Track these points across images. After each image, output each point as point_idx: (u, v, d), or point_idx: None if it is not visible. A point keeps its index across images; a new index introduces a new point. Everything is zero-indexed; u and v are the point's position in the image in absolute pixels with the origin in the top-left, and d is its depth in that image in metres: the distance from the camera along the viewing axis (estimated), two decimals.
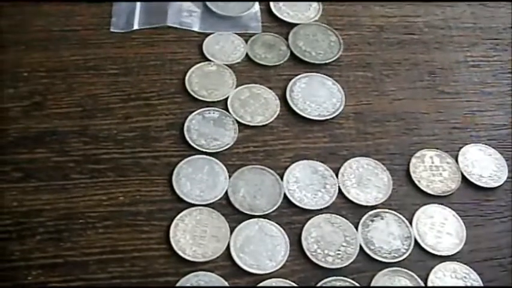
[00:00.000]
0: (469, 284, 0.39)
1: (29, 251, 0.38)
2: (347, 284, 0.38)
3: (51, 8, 0.49)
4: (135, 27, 0.48)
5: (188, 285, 0.37)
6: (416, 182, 0.43)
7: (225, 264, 0.38)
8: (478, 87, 0.49)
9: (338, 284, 0.38)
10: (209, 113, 0.44)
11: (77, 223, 0.39)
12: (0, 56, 0.46)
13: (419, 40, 0.51)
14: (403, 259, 0.40)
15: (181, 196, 0.40)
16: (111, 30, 0.48)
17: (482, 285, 0.39)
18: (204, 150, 0.42)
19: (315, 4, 0.51)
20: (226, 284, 0.37)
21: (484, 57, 0.51)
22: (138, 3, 0.50)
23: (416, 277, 0.39)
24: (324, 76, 0.47)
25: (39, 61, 0.46)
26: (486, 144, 0.46)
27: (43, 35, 0.48)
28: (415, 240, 0.40)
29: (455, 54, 0.51)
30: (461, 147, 0.45)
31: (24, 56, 0.46)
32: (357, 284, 0.38)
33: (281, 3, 0.51)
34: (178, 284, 0.37)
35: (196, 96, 0.45)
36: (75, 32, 0.48)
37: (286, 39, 0.49)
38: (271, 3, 0.51)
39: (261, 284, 0.38)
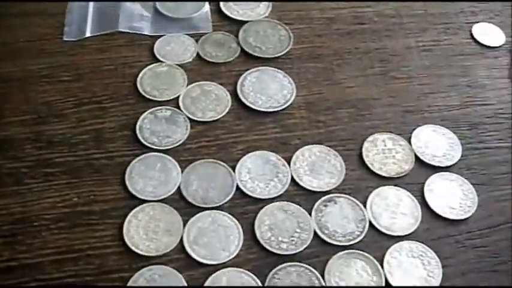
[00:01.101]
0: (425, 262, 0.40)
1: None
2: (302, 269, 0.38)
3: (7, 21, 0.50)
4: (87, 34, 0.49)
5: (142, 279, 0.37)
6: (369, 165, 0.43)
7: (179, 257, 0.39)
8: (430, 71, 0.50)
9: (293, 269, 0.38)
10: (161, 111, 0.45)
11: (32, 226, 0.40)
12: None
13: (369, 29, 0.52)
14: (358, 241, 0.40)
15: (134, 193, 0.41)
16: (64, 39, 0.49)
17: (439, 262, 0.39)
18: (156, 147, 0.43)
19: (264, 1, 0.52)
20: (180, 276, 0.38)
21: (435, 41, 0.52)
22: (90, 11, 0.50)
23: (372, 258, 0.39)
24: (275, 69, 0.48)
25: None
26: (439, 125, 0.46)
27: (1, 48, 0.48)
28: (370, 222, 0.41)
29: (406, 41, 0.51)
30: (414, 129, 0.46)
31: None
32: (312, 268, 0.38)
33: (231, 3, 0.51)
34: (132, 279, 0.37)
35: (148, 96, 0.46)
36: (30, 42, 0.49)
37: (237, 36, 0.50)
38: (221, 3, 0.51)
39: (214, 274, 0.38)
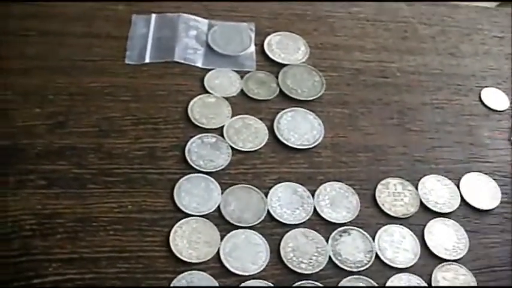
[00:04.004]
0: None
1: (50, 247, 0.45)
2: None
3: (74, 40, 0.57)
4: (147, 60, 0.56)
5: (183, 281, 0.44)
6: (381, 205, 0.50)
7: (215, 265, 0.46)
8: (440, 127, 0.56)
9: (309, 286, 0.45)
10: (207, 138, 0.52)
11: (91, 226, 0.46)
12: (30, 80, 0.53)
13: (392, 83, 0.59)
14: (365, 269, 0.47)
15: (181, 207, 0.48)
16: (126, 62, 0.56)
17: None
18: (201, 169, 0.50)
19: (303, 48, 0.59)
20: (215, 281, 0.44)
21: (448, 100, 0.59)
22: (150, 40, 0.57)
23: (375, 284, 0.46)
24: (307, 111, 0.55)
25: (63, 86, 0.54)
26: (443, 176, 0.53)
27: (67, 63, 0.55)
28: (376, 254, 0.48)
29: (422, 97, 0.58)
30: (421, 178, 0.53)
31: (50, 81, 0.54)
32: None
33: (274, 46, 0.58)
34: (175, 280, 0.44)
35: (197, 123, 0.52)
36: (94, 62, 0.56)
37: (277, 77, 0.57)
38: (265, 46, 0.58)
39: (243, 284, 0.45)
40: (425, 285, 0.47)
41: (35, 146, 0.50)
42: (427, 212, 0.51)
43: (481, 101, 0.59)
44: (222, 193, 0.49)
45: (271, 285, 0.45)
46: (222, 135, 0.52)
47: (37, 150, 0.50)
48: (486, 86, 0.60)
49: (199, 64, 0.57)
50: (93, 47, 0.57)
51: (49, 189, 0.48)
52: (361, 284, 0.46)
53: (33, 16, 0.58)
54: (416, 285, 0.47)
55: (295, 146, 0.52)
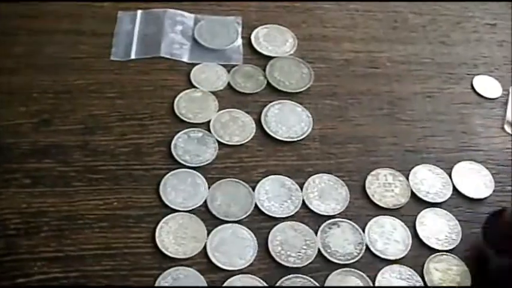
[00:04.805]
0: (411, 284, 0.46)
1: (35, 245, 0.44)
2: (305, 281, 0.45)
3: (60, 37, 0.56)
4: (132, 56, 0.56)
5: (169, 278, 0.44)
6: (371, 196, 0.50)
7: (202, 261, 0.45)
8: (431, 116, 0.56)
9: (298, 280, 0.45)
10: (194, 132, 0.51)
11: (77, 223, 0.46)
12: (14, 78, 0.53)
13: (381, 73, 0.58)
14: (355, 261, 0.46)
15: (167, 203, 0.47)
16: (111, 58, 0.55)
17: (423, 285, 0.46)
18: (188, 164, 0.49)
19: (290, 40, 0.58)
20: (201, 277, 0.44)
21: (439, 89, 0.58)
22: (135, 36, 0.57)
23: (365, 277, 0.45)
24: (295, 103, 0.54)
25: (48, 84, 0.53)
26: (435, 165, 0.52)
27: (52, 61, 0.55)
28: (367, 246, 0.47)
29: (413, 86, 0.58)
30: (412, 167, 0.52)
31: (35, 79, 0.53)
32: (314, 281, 0.45)
33: (261, 39, 0.58)
34: (161, 276, 0.43)
35: (183, 118, 0.52)
36: (80, 59, 0.55)
37: (264, 70, 0.56)
38: (252, 39, 0.58)
39: (231, 279, 0.44)
40: (417, 276, 0.46)
41: (20, 144, 0.49)
42: (418, 202, 0.50)
43: (473, 89, 0.58)
44: (208, 188, 0.48)
45: (260, 281, 0.44)
46: (209, 130, 0.51)
47: (22, 149, 0.49)
48: (478, 74, 0.59)
49: (185, 59, 0.56)
50: (79, 44, 0.56)
51: (34, 187, 0.47)
52: (352, 277, 0.45)
53: (21, 15, 0.58)
54: (408, 277, 0.46)
55: (283, 139, 0.52)
